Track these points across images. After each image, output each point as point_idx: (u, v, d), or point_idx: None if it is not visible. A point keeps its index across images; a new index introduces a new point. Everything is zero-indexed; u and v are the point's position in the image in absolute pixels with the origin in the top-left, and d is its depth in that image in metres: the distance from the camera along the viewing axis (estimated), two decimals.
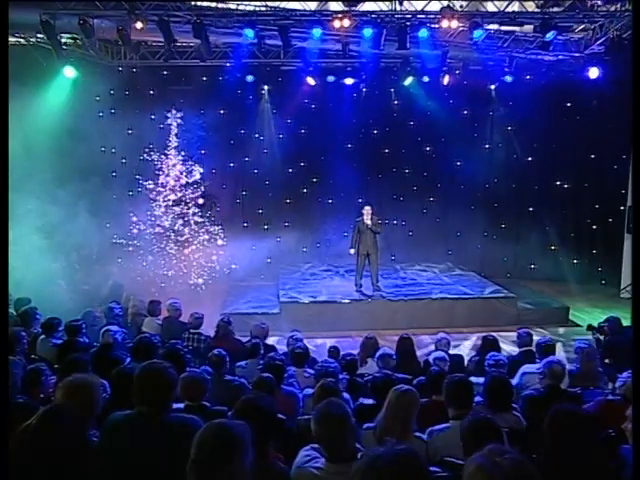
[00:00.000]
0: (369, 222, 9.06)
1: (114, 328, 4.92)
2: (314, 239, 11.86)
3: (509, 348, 6.01)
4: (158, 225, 9.83)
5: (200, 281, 9.72)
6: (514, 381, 4.26)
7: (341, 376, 4.20)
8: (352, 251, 9.08)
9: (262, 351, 4.93)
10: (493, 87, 11.30)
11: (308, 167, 11.83)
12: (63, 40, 9.12)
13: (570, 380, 4.13)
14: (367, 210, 9.19)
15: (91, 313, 5.70)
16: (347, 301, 9.02)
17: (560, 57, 9.89)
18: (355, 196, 11.21)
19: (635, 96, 3.35)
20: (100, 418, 2.42)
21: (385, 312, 8.78)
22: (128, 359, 4.06)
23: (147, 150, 10.03)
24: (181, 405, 3.17)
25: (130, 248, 9.54)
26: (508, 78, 10.42)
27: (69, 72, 9.36)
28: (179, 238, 9.84)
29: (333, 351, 5.51)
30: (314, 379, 4.05)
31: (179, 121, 10.08)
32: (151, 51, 10.35)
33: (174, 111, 10.06)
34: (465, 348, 7.42)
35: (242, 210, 11.86)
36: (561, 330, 8.65)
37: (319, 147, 11.48)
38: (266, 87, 11.37)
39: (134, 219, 9.71)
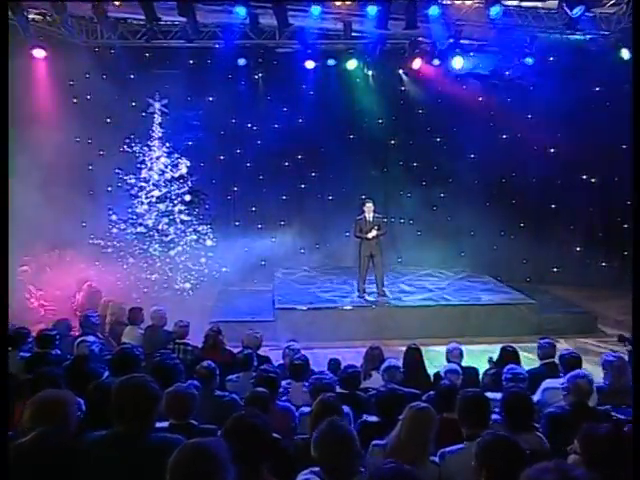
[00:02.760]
0: (371, 219, 9.13)
1: (90, 338, 4.90)
2: (313, 239, 11.87)
3: (529, 360, 6.00)
4: (140, 224, 9.81)
5: (187, 286, 9.72)
6: (535, 397, 4.24)
7: (339, 390, 4.19)
8: (371, 234, 8.99)
9: (255, 363, 4.92)
10: (511, 71, 11.31)
11: (306, 160, 11.84)
12: (31, 17, 9.07)
13: (599, 397, 4.11)
14: (369, 207, 9.22)
15: (65, 322, 5.67)
16: (349, 308, 9.04)
17: (588, 36, 9.86)
18: (358, 192, 11.19)
19: (635, 96, 3.44)
20: (74, 439, 2.41)
21: (391, 320, 8.79)
22: (106, 373, 4.05)
23: (127, 141, 9.99)
24: (165, 424, 3.15)
25: (109, 249, 9.51)
26: (529, 60, 10.43)
27: (38, 53, 9.28)
28: (164, 238, 9.83)
29: (333, 363, 5.51)
30: (308, 393, 4.04)
31: (163, 109, 10.07)
32: (131, 30, 10.33)
33: (158, 97, 10.06)
34: (480, 360, 7.41)
35: (233, 207, 11.88)
36: (588, 341, 8.65)
37: (318, 138, 11.47)
38: (260, 72, 11.38)
39: (113, 217, 9.69)
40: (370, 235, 9.06)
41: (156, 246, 9.74)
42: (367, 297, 9.37)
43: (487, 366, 5.49)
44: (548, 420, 3.56)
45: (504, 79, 11.46)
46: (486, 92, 11.55)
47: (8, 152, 3.45)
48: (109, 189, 10.51)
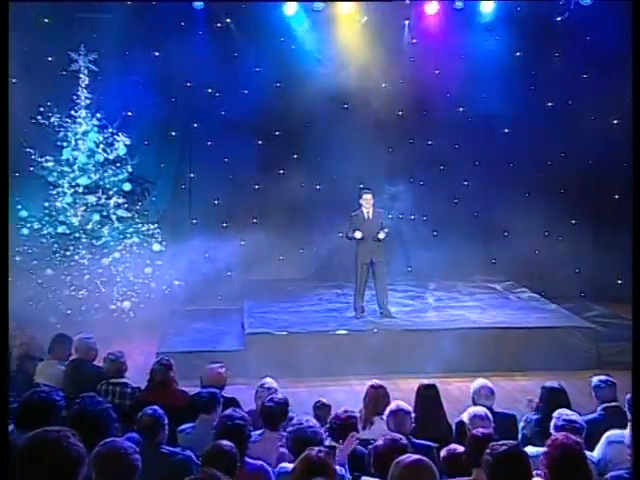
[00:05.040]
0: (370, 215, 9.18)
1: None
2: (295, 242, 11.87)
3: (584, 403, 6.00)
4: (62, 223, 9.77)
5: (126, 305, 9.72)
6: (594, 454, 4.26)
7: (329, 443, 4.19)
8: (358, 234, 9.12)
9: (219, 407, 4.90)
10: (561, 17, 11.38)
11: (286, 138, 11.84)
12: None
13: None
14: (367, 199, 9.24)
15: None
16: (343, 332, 9.04)
17: None
18: (354, 179, 11.22)
19: (635, 96, 3.54)
20: None
21: (399, 349, 8.80)
22: (10, 426, 3.98)
23: (42, 110, 9.91)
24: None
25: (17, 257, 9.43)
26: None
27: None
28: (94, 242, 9.81)
29: (322, 407, 5.48)
30: (286, 447, 4.07)
31: (91, 66, 10.01)
32: None
33: (83, 51, 9.99)
34: (517, 402, 7.40)
35: (189, 200, 11.86)
36: None
37: (302, 108, 11.44)
38: (224, 18, 11.34)
39: (23, 214, 9.64)
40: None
41: (84, 252, 9.70)
42: (367, 318, 9.37)
43: (527, 411, 5.47)
44: None
45: (551, 27, 11.53)
46: (526, 45, 11.62)
47: (8, 152, 3.88)
48: (17, 175, 10.29)
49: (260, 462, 3.99)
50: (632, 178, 4.65)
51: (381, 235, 9.14)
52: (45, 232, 9.68)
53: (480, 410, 4.82)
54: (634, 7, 6.14)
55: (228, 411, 4.38)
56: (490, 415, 4.79)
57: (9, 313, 4.02)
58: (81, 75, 10.04)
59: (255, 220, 11.82)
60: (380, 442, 3.79)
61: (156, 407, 4.35)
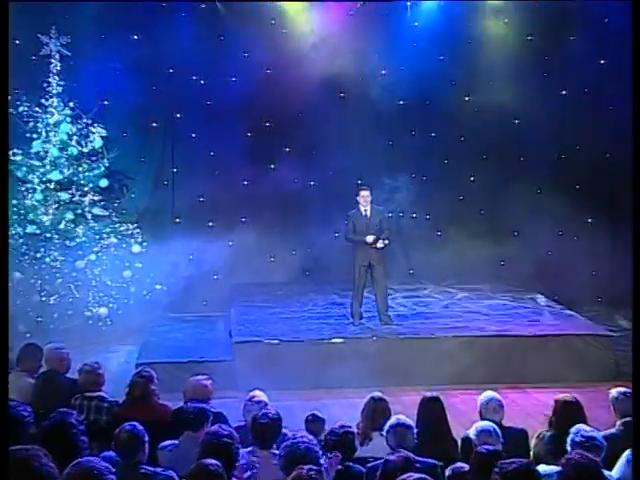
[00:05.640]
0: (368, 213, 9.18)
1: None
2: (287, 243, 11.85)
3: (602, 418, 6.00)
4: (31, 222, 9.75)
5: (103, 312, 9.71)
6: (614, 474, 4.23)
7: (323, 461, 4.16)
8: (370, 238, 9.08)
9: (208, 423, 4.86)
10: None
11: (277, 129, 11.83)
12: None
13: None
14: (364, 196, 9.24)
15: None
16: (339, 341, 9.03)
17: None
18: (351, 175, 11.24)
19: (635, 96, 3.37)
20: None
21: (399, 358, 8.81)
22: None
23: (9, 98, 9.87)
24: None
25: None
26: None
27: None
28: (68, 243, 9.78)
29: (316, 421, 5.44)
30: (279, 466, 4.04)
31: (64, 51, 9.99)
32: None
33: (55, 34, 9.95)
34: (529, 417, 7.40)
35: (172, 197, 11.83)
36: None
37: (294, 97, 11.45)
38: None
39: None
40: (370, 239, 9.06)
41: (56, 254, 9.68)
42: (365, 325, 9.38)
43: (540, 426, 5.48)
44: None
45: (565, 8, 11.49)
46: (537, 28, 11.64)
47: (8, 152, 3.59)
48: None
49: None
50: (632, 178, 4.59)
51: (379, 244, 9.13)
52: (13, 232, 9.63)
53: (488, 425, 4.81)
54: (634, 7, 6.30)
55: (214, 427, 4.35)
56: (499, 430, 4.78)
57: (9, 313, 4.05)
58: (52, 60, 10.01)
59: (244, 219, 11.77)
60: (392, 458, 3.78)
61: (135, 423, 4.33)
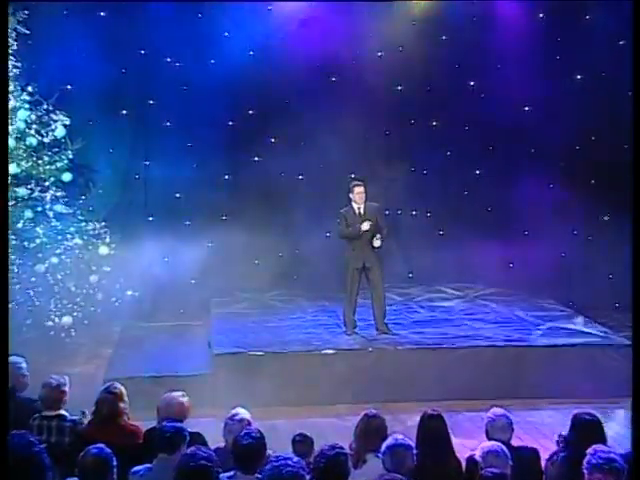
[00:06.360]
0: (362, 210, 9.19)
1: None
2: (273, 244, 11.83)
3: (623, 437, 6.02)
4: None
5: (66, 321, 9.67)
6: None
7: None
8: (365, 225, 9.11)
9: (185, 445, 4.82)
10: None
11: (262, 118, 11.85)
12: None
13: None
14: (359, 192, 9.27)
15: None
16: (331, 352, 9.05)
17: None
18: (344, 168, 11.24)
19: (635, 96, 3.45)
20: None
21: (398, 371, 8.83)
22: None
23: None
24: None
25: None
26: None
27: None
28: (26, 244, 9.77)
29: (304, 442, 5.44)
30: None
31: (20, 28, 9.93)
32: None
33: (10, 9, 9.86)
34: (540, 435, 7.41)
35: (144, 193, 11.83)
36: None
37: (281, 82, 11.48)
38: None
39: None
40: (365, 226, 9.02)
41: (13, 257, 9.61)
42: (359, 334, 9.40)
43: (554, 446, 5.47)
44: None
45: None
46: (550, 6, 11.67)
47: (8, 152, 3.59)
48: None
49: None
50: (632, 178, 4.64)
51: (376, 243, 9.15)
52: None
53: (496, 445, 4.79)
54: (634, 7, 6.77)
55: (191, 449, 4.32)
56: (507, 451, 4.76)
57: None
58: (8, 39, 9.94)
59: (225, 217, 11.82)
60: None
61: (102, 445, 4.29)
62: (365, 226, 9.10)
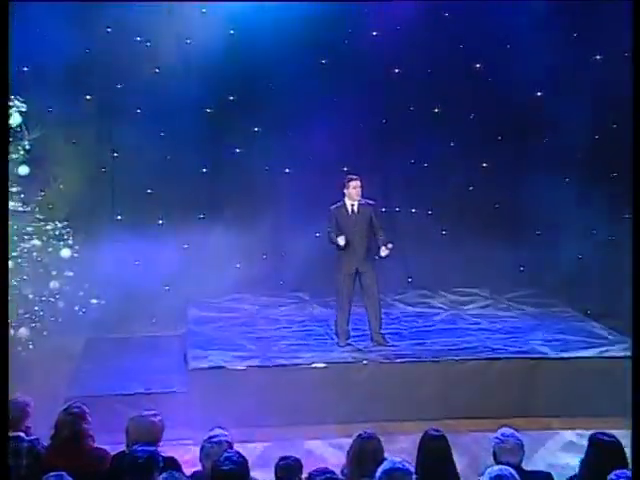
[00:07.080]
0: (356, 208, 9.25)
1: None
2: (256, 245, 11.87)
3: None
4: None
5: (23, 333, 9.62)
6: None
7: None
8: (341, 240, 9.13)
9: (158, 471, 4.78)
10: None
11: (243, 105, 11.84)
12: None
13: None
14: (355, 186, 9.30)
15: None
16: (321, 366, 9.07)
17: None
18: (335, 161, 11.28)
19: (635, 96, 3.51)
20: None
21: (396, 387, 8.85)
22: None
23: None
24: None
25: None
26: None
27: None
28: None
29: (290, 466, 5.32)
30: None
31: None
32: None
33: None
34: (556, 458, 7.41)
35: (112, 189, 11.81)
36: None
37: (265, 65, 11.50)
38: None
39: None
40: (341, 241, 9.08)
41: None
42: (353, 346, 9.43)
43: (570, 471, 5.47)
44: None
45: None
46: None
47: (8, 153, 3.69)
48: None
49: None
50: (632, 178, 4.68)
51: (383, 253, 9.20)
52: None
53: (504, 469, 4.75)
54: (634, 7, 7.13)
55: (164, 476, 4.36)
56: (517, 476, 4.75)
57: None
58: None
59: (202, 215, 11.83)
60: None
61: (63, 473, 4.31)
62: (341, 241, 9.09)
